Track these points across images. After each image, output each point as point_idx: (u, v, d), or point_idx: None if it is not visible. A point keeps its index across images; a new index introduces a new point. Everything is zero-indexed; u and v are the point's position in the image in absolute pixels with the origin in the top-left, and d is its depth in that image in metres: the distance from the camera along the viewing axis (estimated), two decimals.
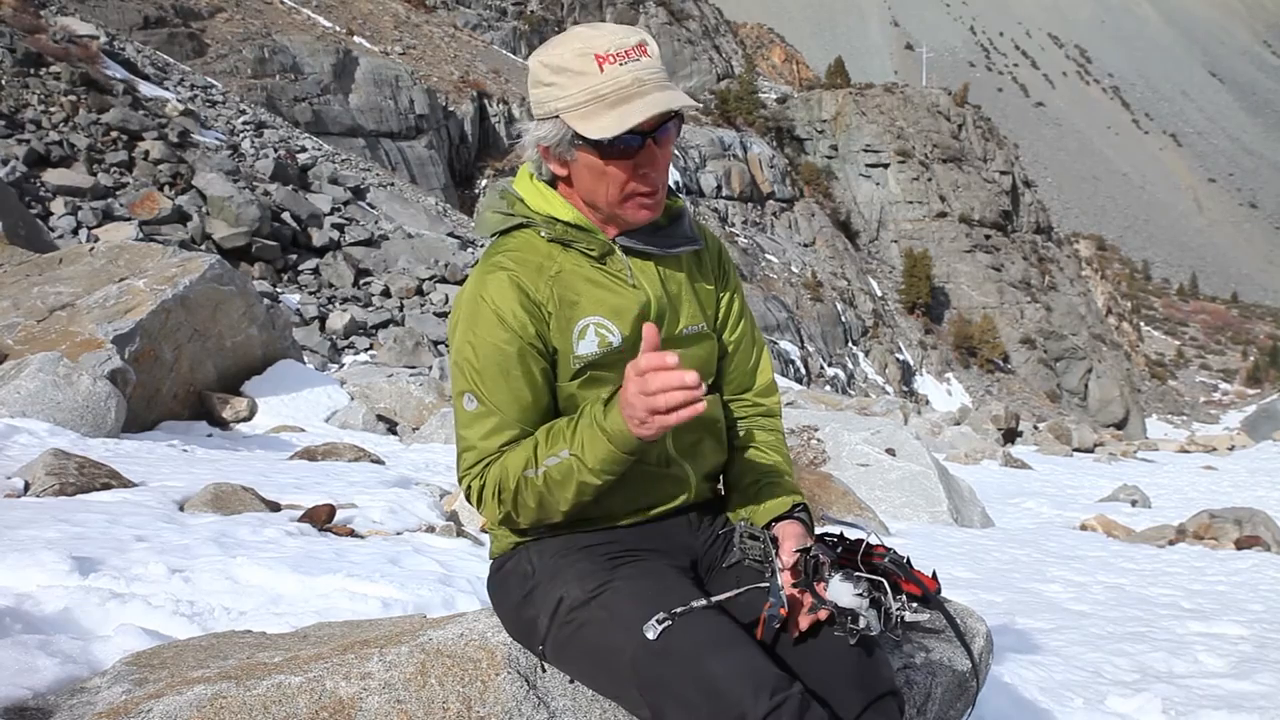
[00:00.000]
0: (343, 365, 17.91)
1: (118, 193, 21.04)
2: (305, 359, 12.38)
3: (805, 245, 63.08)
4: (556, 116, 1.65)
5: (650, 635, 1.50)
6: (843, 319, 57.85)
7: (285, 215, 23.51)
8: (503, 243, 1.77)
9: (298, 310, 20.33)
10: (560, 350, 1.71)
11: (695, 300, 1.84)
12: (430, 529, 4.35)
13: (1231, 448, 23.09)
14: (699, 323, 1.83)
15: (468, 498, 1.75)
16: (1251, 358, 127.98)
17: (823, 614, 1.55)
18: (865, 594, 1.52)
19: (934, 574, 1.85)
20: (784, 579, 1.57)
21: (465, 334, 1.70)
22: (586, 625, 1.61)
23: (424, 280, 23.58)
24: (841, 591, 1.52)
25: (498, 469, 1.68)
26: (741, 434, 1.93)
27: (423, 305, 22.67)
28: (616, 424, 1.54)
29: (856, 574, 1.54)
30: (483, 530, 4.48)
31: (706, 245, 1.91)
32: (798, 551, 1.60)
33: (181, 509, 4.07)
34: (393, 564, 3.50)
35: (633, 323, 1.74)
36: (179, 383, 7.74)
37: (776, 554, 1.64)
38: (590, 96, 1.61)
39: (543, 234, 1.75)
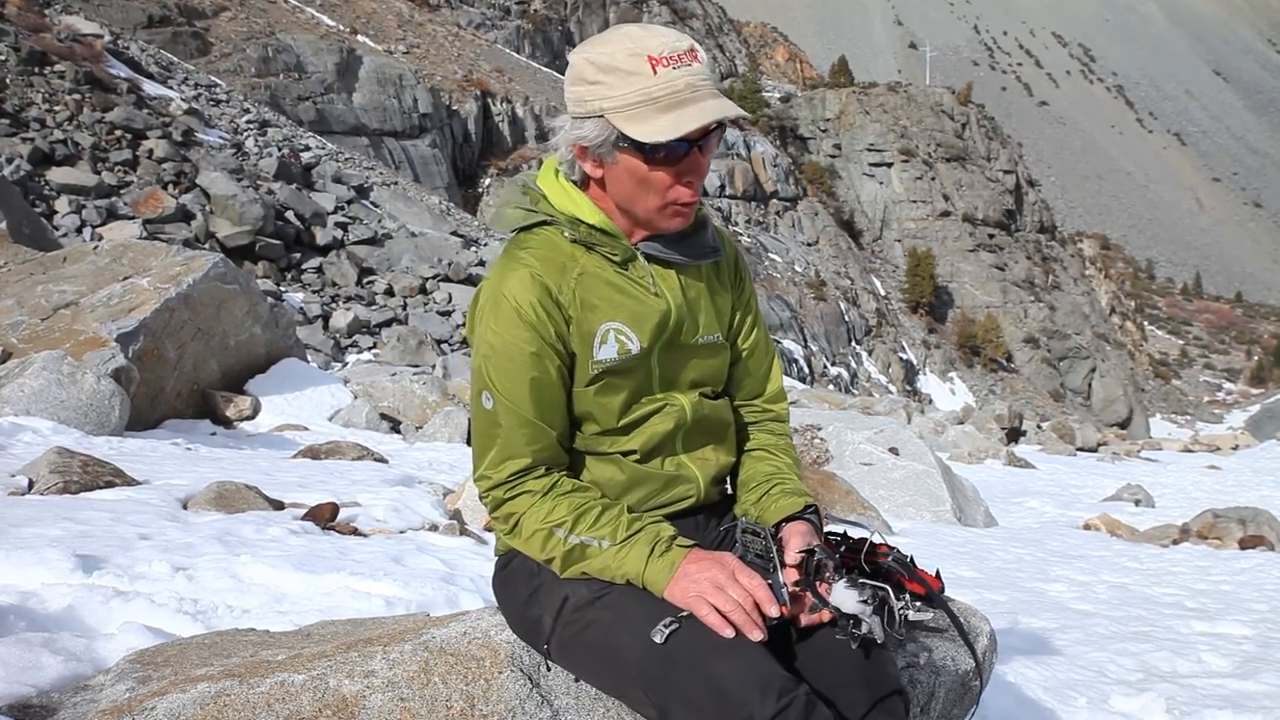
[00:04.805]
0: (346, 364, 17.93)
1: (122, 191, 21.06)
2: (309, 358, 12.39)
3: (809, 244, 63.01)
4: (600, 116, 1.60)
5: (658, 640, 1.50)
6: (846, 318, 57.78)
7: (289, 214, 23.54)
8: (525, 239, 1.73)
9: (301, 309, 20.35)
10: (579, 355, 1.69)
11: (713, 309, 1.83)
12: (433, 528, 4.35)
13: (1235, 447, 23.01)
14: (715, 332, 1.82)
15: (481, 499, 1.74)
16: (1255, 357, 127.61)
17: (824, 615, 1.55)
18: (869, 600, 1.51)
19: (937, 573, 1.85)
20: (786, 576, 1.56)
21: (485, 330, 1.68)
22: (592, 625, 1.61)
23: (427, 279, 23.62)
24: (845, 598, 1.52)
25: (520, 504, 1.67)
26: (751, 438, 1.94)
27: (426, 304, 22.71)
28: (662, 573, 1.57)
29: (861, 580, 1.53)
30: (486, 529, 4.48)
31: (725, 253, 1.89)
32: (801, 552, 1.60)
33: (185, 507, 4.07)
34: (396, 562, 3.50)
35: (652, 331, 1.72)
36: (182, 381, 7.75)
37: (780, 551, 1.64)
38: (642, 98, 1.56)
39: (565, 234, 1.71)
